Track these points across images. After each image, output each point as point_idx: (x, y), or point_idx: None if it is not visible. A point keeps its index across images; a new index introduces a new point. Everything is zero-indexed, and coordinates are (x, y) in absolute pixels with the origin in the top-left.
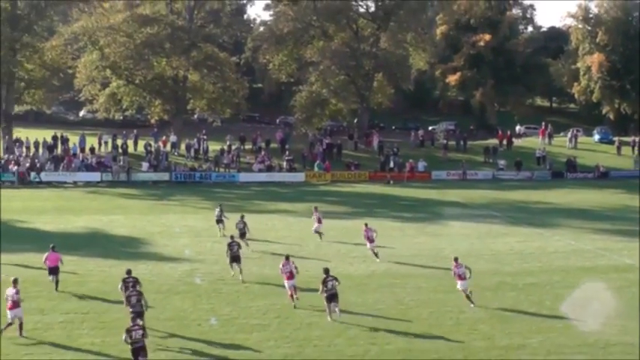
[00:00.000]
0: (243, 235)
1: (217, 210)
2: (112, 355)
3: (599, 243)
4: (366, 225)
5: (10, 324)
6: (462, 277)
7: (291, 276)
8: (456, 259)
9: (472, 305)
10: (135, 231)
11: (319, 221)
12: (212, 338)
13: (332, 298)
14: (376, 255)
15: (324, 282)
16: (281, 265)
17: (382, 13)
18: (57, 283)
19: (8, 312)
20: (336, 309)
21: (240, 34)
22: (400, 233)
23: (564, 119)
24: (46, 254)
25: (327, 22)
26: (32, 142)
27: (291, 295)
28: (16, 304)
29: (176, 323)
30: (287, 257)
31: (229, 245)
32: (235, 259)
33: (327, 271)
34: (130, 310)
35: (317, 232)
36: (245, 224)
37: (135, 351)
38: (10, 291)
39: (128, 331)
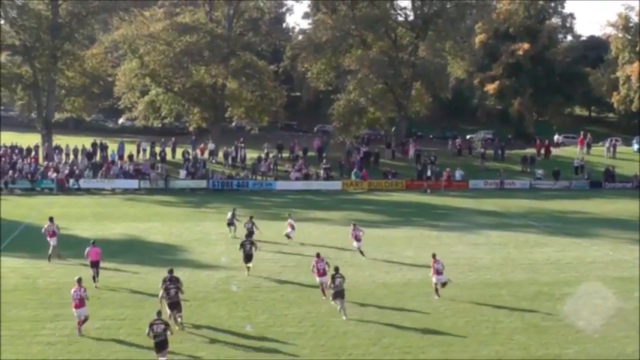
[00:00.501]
0: (251, 234)
1: (230, 213)
2: None
3: (637, 253)
4: (354, 225)
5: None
6: (438, 272)
7: (323, 273)
8: (434, 256)
9: (436, 297)
10: (172, 238)
11: (292, 227)
12: (247, 346)
13: (338, 295)
14: (362, 254)
15: (333, 278)
16: (314, 263)
17: (421, 22)
18: (97, 274)
19: (74, 311)
20: (342, 309)
21: (278, 43)
22: (437, 242)
23: (603, 129)
24: (87, 249)
25: (366, 31)
26: (71, 150)
27: (323, 291)
28: (82, 303)
29: (212, 330)
30: (318, 255)
31: (242, 245)
32: (248, 257)
33: (337, 269)
34: (168, 301)
35: (287, 236)
36: (253, 224)
37: (157, 345)
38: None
39: (151, 325)
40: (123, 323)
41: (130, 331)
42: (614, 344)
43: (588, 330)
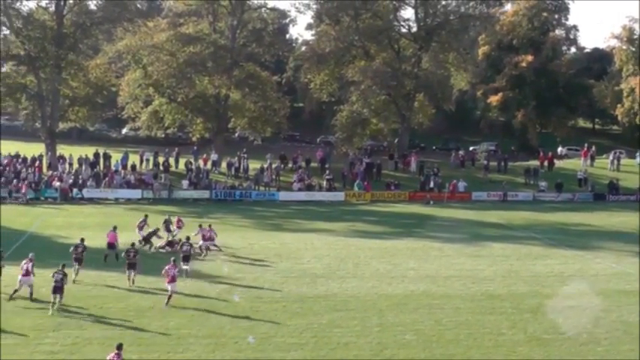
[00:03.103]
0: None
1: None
2: None
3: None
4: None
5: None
6: None
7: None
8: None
9: None
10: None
11: (203, 238)
12: (249, 356)
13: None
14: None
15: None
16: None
17: (424, 34)
18: (117, 256)
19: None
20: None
21: (282, 54)
22: (439, 253)
23: (607, 141)
24: (108, 232)
25: (369, 42)
26: (75, 159)
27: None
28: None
29: (213, 340)
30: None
31: (127, 252)
32: (131, 266)
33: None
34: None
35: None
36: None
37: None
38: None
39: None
40: (125, 333)
41: (131, 342)
42: (618, 357)
43: (591, 343)
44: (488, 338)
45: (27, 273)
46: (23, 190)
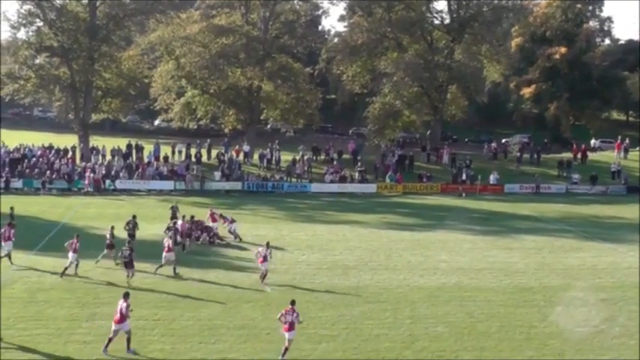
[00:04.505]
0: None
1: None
2: None
3: None
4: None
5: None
6: None
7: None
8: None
9: None
10: None
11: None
12: (281, 347)
13: None
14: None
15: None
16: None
17: (457, 25)
18: (183, 246)
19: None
20: None
21: (314, 45)
22: (471, 246)
23: None
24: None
25: (402, 34)
26: (108, 151)
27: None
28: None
29: (245, 331)
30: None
31: (122, 251)
32: (128, 264)
33: (292, 302)
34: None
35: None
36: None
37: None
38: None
39: None
40: (157, 324)
41: (163, 332)
42: None
43: (624, 336)
44: (520, 331)
45: (75, 250)
46: (87, 182)
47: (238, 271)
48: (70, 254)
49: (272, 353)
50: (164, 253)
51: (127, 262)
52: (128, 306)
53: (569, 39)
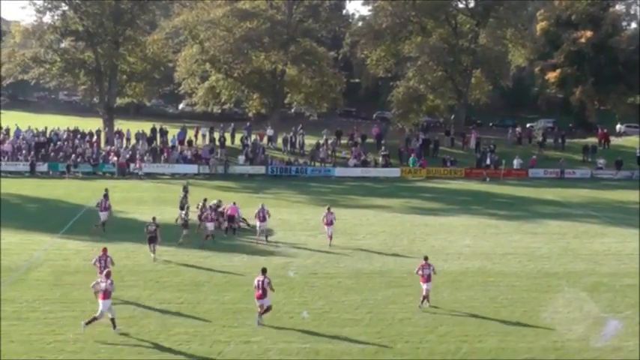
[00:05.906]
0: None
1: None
2: (205, 345)
3: None
4: (328, 209)
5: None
6: (428, 279)
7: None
8: (425, 258)
9: (425, 305)
10: None
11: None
12: (304, 331)
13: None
14: (331, 238)
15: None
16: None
17: (482, 9)
18: (234, 230)
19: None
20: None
21: (338, 29)
22: (495, 231)
23: None
24: (227, 206)
25: (426, 18)
26: (132, 134)
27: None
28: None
29: (268, 315)
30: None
31: (147, 227)
32: (152, 239)
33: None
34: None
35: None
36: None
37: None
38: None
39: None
40: (181, 307)
41: (188, 314)
42: None
43: None
44: (544, 316)
45: (104, 209)
46: (137, 165)
47: (261, 256)
48: (101, 213)
49: (295, 337)
50: (258, 223)
51: (152, 237)
52: (270, 282)
53: (595, 23)
